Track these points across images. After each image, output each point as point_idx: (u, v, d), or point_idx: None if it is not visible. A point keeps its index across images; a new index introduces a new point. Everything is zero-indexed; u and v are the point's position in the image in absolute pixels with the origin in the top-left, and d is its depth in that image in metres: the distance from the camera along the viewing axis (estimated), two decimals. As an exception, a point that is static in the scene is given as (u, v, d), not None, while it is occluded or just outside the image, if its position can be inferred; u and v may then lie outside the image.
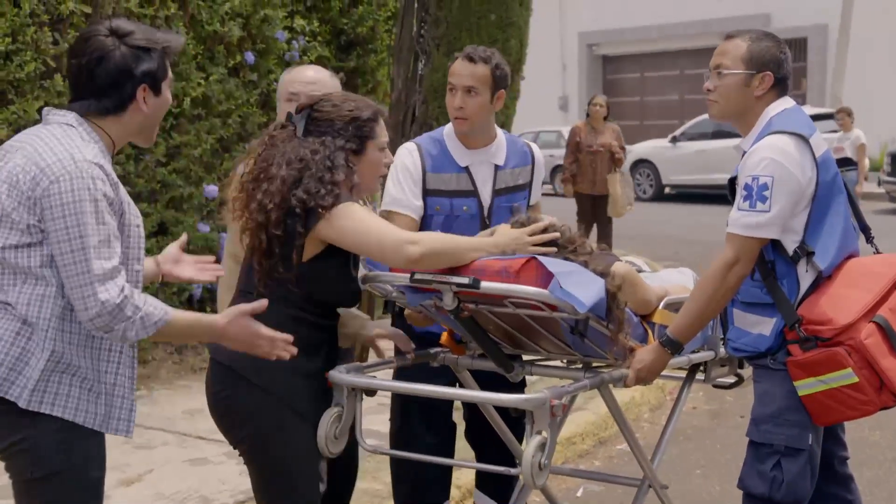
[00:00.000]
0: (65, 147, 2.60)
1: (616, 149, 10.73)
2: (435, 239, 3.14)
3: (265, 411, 3.05)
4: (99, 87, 2.68)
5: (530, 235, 3.24)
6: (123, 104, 2.70)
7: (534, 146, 4.00)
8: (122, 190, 2.69)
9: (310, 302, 3.07)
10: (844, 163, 13.22)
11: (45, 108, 2.75)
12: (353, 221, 2.98)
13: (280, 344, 2.82)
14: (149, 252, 6.90)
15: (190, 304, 7.30)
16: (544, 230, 3.26)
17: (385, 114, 3.20)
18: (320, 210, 2.96)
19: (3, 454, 2.68)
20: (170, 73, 2.79)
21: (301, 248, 3.00)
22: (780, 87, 3.40)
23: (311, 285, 3.05)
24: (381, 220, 3.17)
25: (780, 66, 3.39)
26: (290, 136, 3.09)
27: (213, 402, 3.16)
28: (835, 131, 14.80)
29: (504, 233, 3.26)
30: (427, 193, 3.75)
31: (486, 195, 3.81)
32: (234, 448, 3.19)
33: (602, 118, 10.98)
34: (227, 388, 3.09)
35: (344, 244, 3.02)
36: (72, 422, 2.64)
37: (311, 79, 3.74)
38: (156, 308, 2.62)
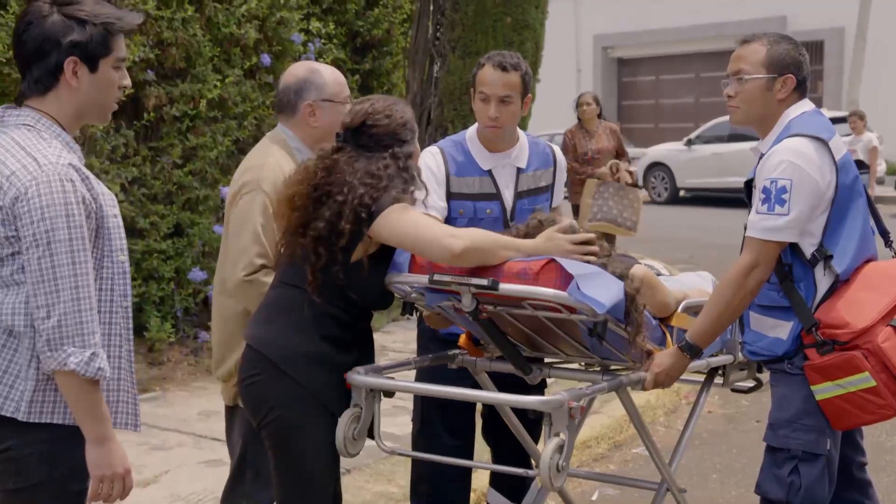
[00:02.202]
0: (27, 151, 2.48)
1: (624, 168, 9.17)
2: (475, 234, 3.14)
3: (292, 402, 3.10)
4: (25, 54, 2.53)
5: (574, 244, 3.14)
6: (52, 75, 2.53)
7: (556, 148, 3.98)
8: (94, 181, 2.56)
9: (348, 302, 3.14)
10: (856, 166, 13.14)
11: (1, 108, 2.61)
12: (399, 220, 3.03)
13: (126, 492, 2.62)
14: (163, 253, 7.01)
15: (206, 304, 7.30)
16: (588, 242, 3.16)
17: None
18: (373, 211, 3.03)
19: None
20: (116, 53, 2.58)
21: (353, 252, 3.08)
22: (801, 88, 3.39)
23: (356, 287, 3.12)
24: (426, 217, 3.20)
25: (801, 67, 3.37)
26: (354, 155, 3.14)
27: (242, 386, 3.21)
28: (848, 135, 14.74)
29: (547, 236, 3.17)
30: (451, 197, 3.75)
31: (508, 198, 3.80)
32: (258, 429, 3.21)
33: (595, 117, 9.73)
34: (257, 374, 3.14)
35: (390, 241, 3.09)
36: (60, 430, 2.54)
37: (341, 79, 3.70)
38: (105, 362, 2.49)
